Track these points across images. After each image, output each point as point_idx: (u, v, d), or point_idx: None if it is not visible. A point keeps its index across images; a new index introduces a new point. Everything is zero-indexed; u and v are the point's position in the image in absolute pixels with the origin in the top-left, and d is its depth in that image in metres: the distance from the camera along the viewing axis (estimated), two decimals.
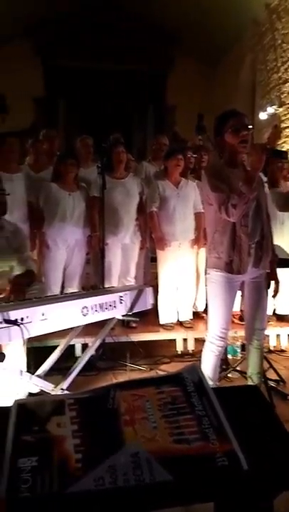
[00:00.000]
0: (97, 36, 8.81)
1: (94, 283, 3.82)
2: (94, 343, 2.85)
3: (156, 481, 0.61)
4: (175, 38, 9.00)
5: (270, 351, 3.58)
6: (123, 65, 9.00)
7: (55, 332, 2.35)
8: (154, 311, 3.59)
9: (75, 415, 0.73)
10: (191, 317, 3.74)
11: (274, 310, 3.83)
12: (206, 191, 2.30)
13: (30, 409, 0.74)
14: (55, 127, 7.07)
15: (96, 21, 8.74)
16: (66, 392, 2.46)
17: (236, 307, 3.57)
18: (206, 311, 3.78)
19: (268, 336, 3.43)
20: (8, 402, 2.09)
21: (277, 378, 2.99)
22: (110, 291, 2.87)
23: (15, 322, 2.01)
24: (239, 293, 2.46)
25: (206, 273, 2.42)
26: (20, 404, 0.75)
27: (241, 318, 3.42)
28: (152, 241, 3.83)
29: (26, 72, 8.48)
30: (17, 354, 2.28)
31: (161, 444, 0.67)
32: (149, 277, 4.11)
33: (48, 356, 2.62)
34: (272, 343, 3.69)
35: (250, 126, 2.25)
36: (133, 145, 8.26)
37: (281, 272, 3.71)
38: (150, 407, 0.74)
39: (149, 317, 3.65)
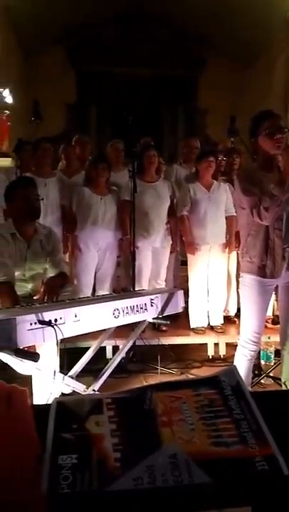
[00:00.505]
0: (127, 41, 8.91)
1: (124, 286, 3.85)
2: (125, 346, 2.87)
3: (194, 483, 0.61)
4: (206, 40, 8.97)
5: None
6: (154, 68, 9.05)
7: (87, 333, 2.38)
8: (184, 315, 3.58)
9: (113, 415, 0.73)
10: (222, 321, 3.70)
11: None
12: (238, 195, 2.28)
13: (69, 408, 0.75)
14: (87, 132, 7.19)
15: (127, 26, 8.85)
16: (98, 393, 2.49)
17: (269, 312, 3.51)
18: (237, 315, 3.74)
19: None
20: (42, 401, 2.13)
21: None
22: (141, 293, 2.88)
23: (49, 323, 2.05)
24: (273, 297, 2.42)
25: (239, 276, 2.39)
26: (59, 403, 0.76)
27: (274, 322, 3.36)
28: (183, 244, 3.82)
29: (59, 78, 8.68)
30: (50, 355, 2.32)
31: (199, 446, 0.67)
32: (179, 280, 4.10)
33: (80, 357, 2.66)
34: None
35: (286, 130, 2.21)
36: (164, 148, 8.29)
37: None
38: (187, 409, 0.73)
39: (179, 321, 3.64)
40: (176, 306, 2.96)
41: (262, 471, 0.65)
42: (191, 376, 3.18)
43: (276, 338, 2.58)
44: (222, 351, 3.51)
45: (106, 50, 8.80)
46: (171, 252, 3.80)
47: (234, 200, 3.25)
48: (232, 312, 3.85)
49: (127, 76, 9.11)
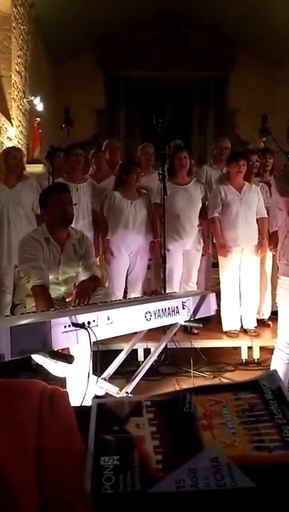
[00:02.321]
0: (156, 44, 8.95)
1: (155, 288, 3.85)
2: (157, 348, 2.86)
3: (237, 487, 0.61)
4: (236, 40, 8.90)
5: None
6: (184, 71, 9.05)
7: (120, 336, 2.39)
8: (217, 318, 3.54)
9: (153, 417, 0.74)
10: (256, 324, 3.63)
11: None
12: (275, 196, 2.25)
13: (109, 410, 0.76)
14: (117, 137, 7.27)
15: (157, 30, 8.89)
16: (130, 395, 2.50)
17: None
18: (271, 318, 3.67)
19: None
20: (76, 403, 2.16)
21: None
22: (173, 296, 2.87)
23: (82, 325, 2.07)
24: None
25: (273, 278, 2.35)
26: (100, 404, 0.77)
27: None
28: (214, 246, 3.79)
29: (88, 84, 8.82)
30: (84, 357, 2.35)
31: (241, 450, 0.66)
32: (211, 283, 4.07)
33: (113, 360, 2.67)
34: None
35: None
36: (193, 150, 8.26)
37: None
38: (227, 413, 0.73)
39: (212, 324, 3.60)
40: (209, 309, 2.94)
41: None
42: (225, 380, 3.15)
43: None
44: (256, 355, 3.45)
45: (135, 53, 8.88)
46: (202, 255, 3.78)
47: (273, 201, 3.20)
48: (266, 315, 3.78)
49: (157, 79, 9.14)
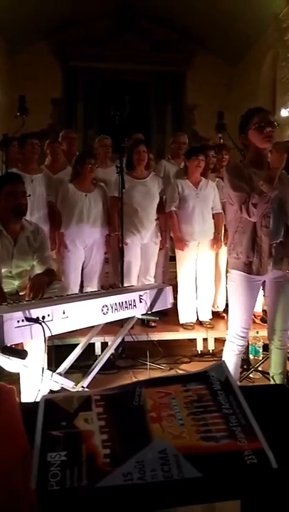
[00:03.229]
0: (115, 36, 8.85)
1: (113, 282, 3.84)
2: (114, 342, 2.86)
3: (184, 478, 0.61)
4: (195, 36, 8.97)
5: None
6: (143, 64, 9.02)
7: (76, 330, 2.37)
8: (173, 311, 3.59)
9: (102, 411, 0.73)
10: (211, 317, 3.71)
11: None
12: (227, 190, 2.28)
13: (57, 405, 0.75)
14: (74, 128, 7.14)
15: (115, 21, 8.78)
16: (87, 389, 2.48)
17: (258, 308, 3.54)
18: (226, 310, 3.76)
19: None
20: (30, 399, 2.11)
21: None
22: (130, 290, 2.87)
23: (36, 320, 2.03)
24: (261, 292, 2.43)
25: (227, 272, 2.40)
26: (47, 400, 0.76)
27: (263, 320, 3.39)
28: (172, 240, 3.83)
29: (44, 73, 8.60)
30: (38, 352, 2.31)
31: (189, 441, 0.67)
32: (168, 276, 4.11)
33: (69, 354, 2.64)
34: None
35: (276, 123, 2.22)
36: (152, 144, 8.28)
37: None
38: (176, 404, 0.73)
39: (169, 316, 3.65)
40: (165, 302, 2.97)
41: (251, 464, 0.65)
42: (181, 371, 3.20)
43: (264, 332, 2.60)
44: (211, 346, 3.53)
45: (93, 44, 8.73)
46: (160, 249, 3.80)
47: (223, 195, 3.26)
48: (221, 307, 3.87)
49: (115, 71, 9.06)
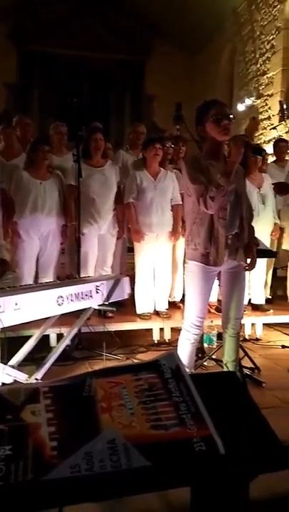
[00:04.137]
0: (75, 22, 8.63)
1: (69, 273, 3.78)
2: (69, 333, 2.83)
3: (133, 467, 0.61)
4: (155, 26, 8.91)
5: (245, 340, 3.64)
6: (102, 52, 8.86)
7: (30, 322, 2.31)
8: (131, 301, 3.59)
9: (50, 403, 0.71)
10: (168, 307, 3.75)
11: (249, 300, 3.89)
12: (185, 182, 2.29)
13: (3, 398, 0.72)
14: (29, 114, 6.91)
15: (74, 6, 8.56)
16: (38, 382, 2.44)
17: (213, 298, 3.61)
18: (182, 300, 3.81)
19: (243, 325, 3.48)
20: None
21: (252, 366, 3.04)
22: (86, 280, 2.84)
23: None
24: (216, 283, 2.48)
25: (184, 263, 2.42)
26: None
27: (218, 309, 3.45)
28: (130, 231, 3.81)
29: None
30: None
31: (139, 430, 0.66)
32: (126, 267, 4.10)
33: (22, 346, 2.58)
34: (248, 332, 3.75)
35: (232, 116, 2.24)
36: (110, 134, 8.19)
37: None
38: (127, 394, 0.73)
39: (126, 307, 3.65)
40: (122, 293, 2.97)
41: (199, 451, 0.66)
42: (137, 361, 3.21)
43: (219, 321, 2.65)
44: (167, 336, 3.57)
45: (51, 30, 8.47)
46: (117, 239, 3.77)
47: (181, 187, 3.27)
48: (177, 298, 3.91)
49: (74, 59, 8.85)
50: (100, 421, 0.68)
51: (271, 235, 4.00)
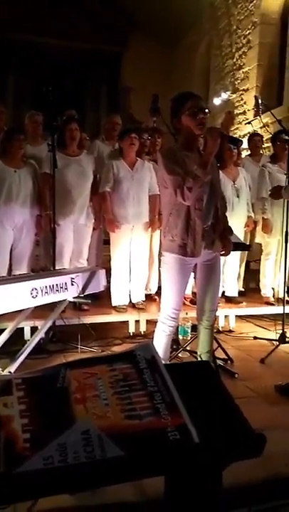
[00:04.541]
0: (52, 11, 8.44)
1: (44, 265, 3.73)
2: (44, 326, 2.80)
3: (107, 458, 0.60)
4: (133, 17, 8.83)
5: (219, 331, 3.69)
6: (78, 41, 8.72)
7: (3, 314, 2.27)
8: (106, 294, 3.58)
9: (23, 395, 0.70)
10: (144, 299, 3.75)
11: (223, 292, 3.94)
12: (161, 174, 2.29)
13: None
14: (3, 103, 6.73)
15: None
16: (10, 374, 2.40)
17: (188, 290, 3.64)
18: (158, 293, 3.82)
19: (217, 316, 3.52)
20: None
21: (226, 357, 3.08)
22: (61, 272, 2.81)
23: None
24: (192, 275, 2.49)
25: (160, 255, 2.43)
26: None
27: (193, 302, 3.48)
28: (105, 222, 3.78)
29: None
30: None
31: (113, 420, 0.66)
32: (102, 260, 4.07)
33: None
34: (221, 324, 3.80)
35: (207, 110, 2.25)
36: (86, 124, 8.09)
37: (229, 255, 3.83)
38: (102, 384, 0.72)
39: (101, 299, 3.63)
40: (98, 285, 2.95)
41: (174, 440, 0.66)
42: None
43: (193, 313, 2.67)
44: (143, 328, 3.58)
45: (28, 18, 8.26)
46: (94, 230, 3.74)
47: (157, 178, 3.26)
48: (153, 290, 3.93)
49: (51, 47, 8.66)
50: (74, 412, 0.67)
51: (245, 227, 4.05)
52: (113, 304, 3.64)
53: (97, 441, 0.62)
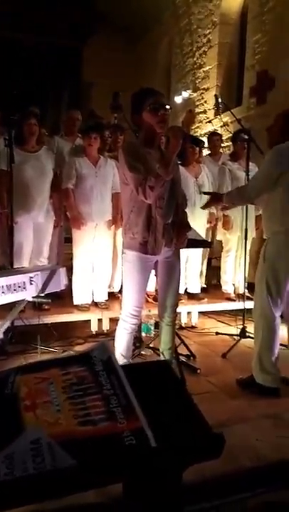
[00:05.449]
0: (10, 3, 8.15)
1: (1, 264, 3.60)
2: (1, 327, 2.71)
3: (57, 467, 0.57)
4: (95, 12, 8.69)
5: (181, 328, 3.71)
6: (38, 36, 8.50)
7: None
8: (68, 292, 3.51)
9: None
10: (107, 298, 3.71)
11: (186, 289, 3.97)
12: (122, 170, 2.25)
13: None
14: None
15: None
16: None
17: (151, 287, 3.63)
18: (121, 291, 3.79)
19: (179, 313, 3.54)
20: None
21: (188, 353, 3.10)
22: (19, 271, 2.72)
23: None
24: (153, 272, 2.48)
25: (122, 253, 2.40)
26: None
27: (156, 299, 3.48)
28: (67, 220, 3.70)
29: None
30: None
31: (65, 427, 0.63)
32: (63, 258, 3.99)
33: None
34: (184, 320, 3.83)
35: (168, 107, 2.23)
36: (47, 120, 7.91)
37: (191, 252, 3.86)
38: (54, 389, 0.69)
39: (63, 298, 3.56)
40: (58, 284, 2.88)
41: (130, 445, 0.63)
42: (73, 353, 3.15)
43: (156, 311, 2.67)
44: (105, 327, 3.54)
45: None
46: (54, 227, 3.66)
47: (119, 174, 3.23)
48: (116, 288, 3.89)
49: (9, 41, 8.39)
50: (23, 420, 0.63)
51: (208, 224, 4.10)
52: (75, 303, 3.58)
53: (47, 450, 0.59)
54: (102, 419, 0.65)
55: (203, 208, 2.85)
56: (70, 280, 3.45)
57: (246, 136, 3.55)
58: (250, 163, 3.49)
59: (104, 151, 3.78)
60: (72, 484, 0.58)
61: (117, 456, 0.60)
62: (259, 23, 5.65)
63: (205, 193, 2.84)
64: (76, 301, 3.58)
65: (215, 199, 2.79)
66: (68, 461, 0.58)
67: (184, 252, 3.55)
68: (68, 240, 3.83)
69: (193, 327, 3.85)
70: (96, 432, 0.63)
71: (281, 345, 2.55)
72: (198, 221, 3.78)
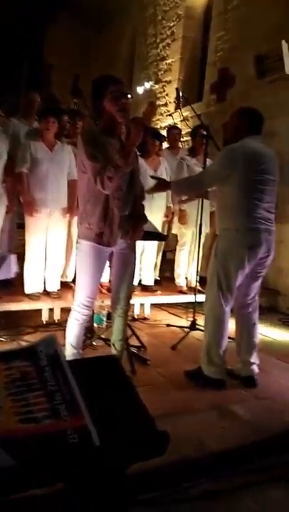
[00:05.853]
0: None
1: None
2: None
3: None
4: None
5: (134, 319, 3.72)
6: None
7: None
8: (19, 280, 3.41)
9: None
10: (59, 287, 3.64)
11: (139, 280, 3.98)
12: (80, 158, 2.20)
13: None
14: None
15: None
16: None
17: (105, 278, 3.61)
18: (74, 281, 3.74)
19: (132, 305, 3.54)
20: None
21: (139, 344, 3.12)
22: None
23: None
24: (107, 263, 2.46)
25: (76, 242, 2.36)
26: None
27: (109, 290, 3.46)
28: (20, 205, 3.58)
29: None
30: None
31: (5, 425, 0.60)
32: (15, 244, 3.87)
33: None
34: (136, 312, 3.84)
35: (130, 96, 2.20)
36: (3, 102, 7.59)
37: (146, 245, 3.87)
38: None
39: (13, 286, 3.46)
40: (8, 272, 2.80)
41: (72, 444, 0.62)
42: (24, 343, 3.07)
43: (109, 301, 2.65)
44: (57, 316, 3.48)
45: None
46: (6, 212, 3.52)
47: (76, 162, 3.15)
48: (70, 278, 3.83)
49: None
50: None
51: (164, 217, 4.12)
52: (26, 292, 3.48)
53: None
54: (46, 416, 0.63)
55: (149, 192, 2.85)
56: (21, 268, 3.35)
57: (205, 132, 3.59)
58: (208, 160, 3.54)
59: (62, 137, 3.68)
60: (12, 486, 0.56)
61: (59, 455, 0.58)
62: (222, 21, 5.70)
63: (152, 178, 2.82)
64: (27, 289, 3.48)
65: (161, 185, 2.81)
66: (7, 461, 0.55)
67: (140, 244, 3.55)
68: (21, 226, 3.71)
69: (145, 319, 3.87)
70: (38, 430, 0.61)
71: (229, 338, 2.62)
72: (156, 214, 3.79)
